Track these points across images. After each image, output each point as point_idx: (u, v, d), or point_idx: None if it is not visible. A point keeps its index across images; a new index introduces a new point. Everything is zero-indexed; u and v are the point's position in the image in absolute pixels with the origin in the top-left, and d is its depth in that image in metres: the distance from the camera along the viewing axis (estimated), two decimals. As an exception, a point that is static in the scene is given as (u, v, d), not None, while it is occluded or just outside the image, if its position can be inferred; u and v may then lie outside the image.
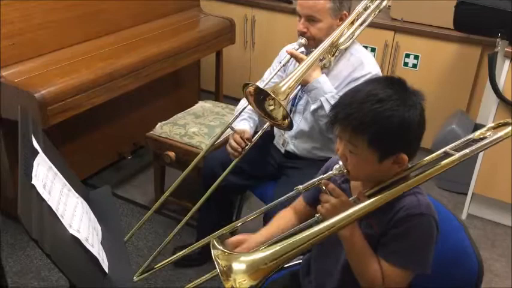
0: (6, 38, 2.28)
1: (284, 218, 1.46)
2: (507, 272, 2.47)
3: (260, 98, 1.74)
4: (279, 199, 1.39)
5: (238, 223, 1.49)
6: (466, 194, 2.81)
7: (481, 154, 2.64)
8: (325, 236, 1.11)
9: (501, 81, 2.50)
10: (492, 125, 1.28)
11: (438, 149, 1.33)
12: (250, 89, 1.71)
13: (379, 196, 1.14)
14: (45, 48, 2.48)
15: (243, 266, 1.07)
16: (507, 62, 2.46)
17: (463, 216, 2.82)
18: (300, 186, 1.29)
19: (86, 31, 2.68)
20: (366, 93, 1.15)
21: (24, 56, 2.38)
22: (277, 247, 1.09)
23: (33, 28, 2.40)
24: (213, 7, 3.58)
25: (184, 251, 1.76)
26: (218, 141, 2.21)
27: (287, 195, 1.35)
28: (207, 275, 1.48)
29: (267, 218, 1.92)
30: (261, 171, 2.15)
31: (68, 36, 2.58)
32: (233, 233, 1.60)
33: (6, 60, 2.28)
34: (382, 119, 1.12)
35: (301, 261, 1.54)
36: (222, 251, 1.11)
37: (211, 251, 1.11)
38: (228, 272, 1.06)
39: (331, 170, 1.30)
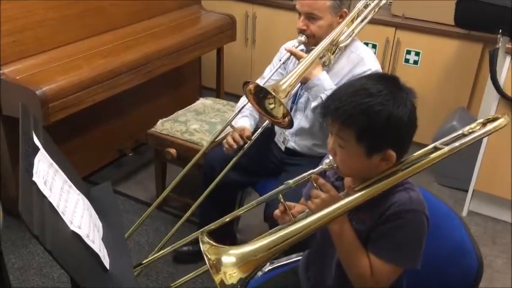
0: (8, 35, 2.28)
1: None
2: (508, 268, 2.47)
3: (260, 96, 1.74)
4: (270, 192, 1.34)
5: (227, 218, 1.45)
6: (467, 191, 2.81)
7: (481, 151, 2.64)
8: (314, 229, 1.12)
9: (502, 77, 2.50)
10: (481, 120, 1.28)
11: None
12: (250, 86, 1.71)
13: (367, 190, 1.15)
14: (47, 45, 2.48)
15: (233, 259, 1.07)
16: (508, 59, 2.46)
17: (464, 213, 2.82)
18: (291, 181, 1.27)
19: (87, 28, 2.68)
20: (358, 88, 1.16)
21: (26, 53, 2.38)
22: (267, 240, 1.10)
23: (34, 25, 2.41)
24: (214, 4, 3.58)
25: (177, 243, 1.72)
26: (219, 138, 2.21)
27: (277, 189, 1.30)
28: (197, 271, 1.47)
29: (267, 213, 1.92)
30: (261, 168, 2.16)
31: (69, 33, 2.59)
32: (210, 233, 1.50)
33: (7, 57, 2.29)
34: (370, 113, 1.12)
35: (301, 257, 1.54)
36: (211, 244, 1.11)
37: (200, 245, 1.11)
38: (217, 265, 1.07)
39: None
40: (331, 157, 1.23)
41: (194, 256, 2.37)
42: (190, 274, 1.45)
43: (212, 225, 1.42)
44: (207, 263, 1.07)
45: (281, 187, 1.29)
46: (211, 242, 1.12)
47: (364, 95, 1.14)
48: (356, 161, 1.18)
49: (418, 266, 1.20)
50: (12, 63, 2.31)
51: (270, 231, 1.29)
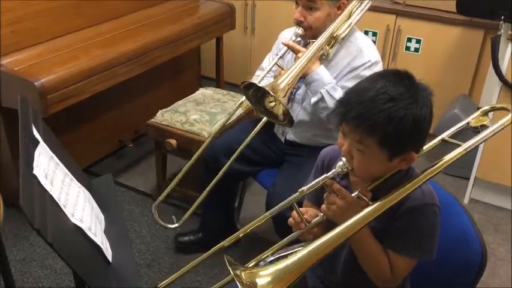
0: (6, 25, 2.26)
1: None
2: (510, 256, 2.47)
3: (259, 95, 1.70)
4: (283, 202, 1.29)
5: (236, 233, 1.41)
6: (469, 179, 2.80)
7: (483, 138, 2.63)
8: (341, 242, 1.10)
9: (504, 64, 2.48)
10: (487, 108, 1.27)
11: (441, 134, 1.33)
12: (248, 86, 1.68)
13: (390, 197, 1.13)
14: (45, 36, 2.47)
15: (265, 280, 1.06)
16: (510, 45, 2.44)
17: (466, 201, 2.82)
18: (304, 188, 1.23)
19: (85, 18, 2.65)
20: (377, 91, 1.10)
21: (24, 44, 2.37)
22: (297, 255, 1.08)
23: (32, 16, 2.39)
24: (213, -8, 3.54)
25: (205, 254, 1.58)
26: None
27: (290, 197, 1.27)
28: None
29: (268, 205, 1.92)
30: (263, 158, 2.15)
31: (67, 24, 2.57)
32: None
33: (5, 48, 2.27)
34: (395, 118, 1.08)
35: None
36: (243, 267, 1.10)
37: (229, 269, 1.08)
38: (251, 285, 1.05)
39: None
40: (344, 159, 1.18)
41: (196, 245, 2.37)
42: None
43: (233, 237, 1.41)
44: (239, 283, 1.05)
45: (294, 195, 1.25)
46: (240, 265, 1.11)
47: (385, 100, 1.08)
48: (376, 164, 1.15)
49: (433, 257, 1.22)
50: (10, 54, 2.29)
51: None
